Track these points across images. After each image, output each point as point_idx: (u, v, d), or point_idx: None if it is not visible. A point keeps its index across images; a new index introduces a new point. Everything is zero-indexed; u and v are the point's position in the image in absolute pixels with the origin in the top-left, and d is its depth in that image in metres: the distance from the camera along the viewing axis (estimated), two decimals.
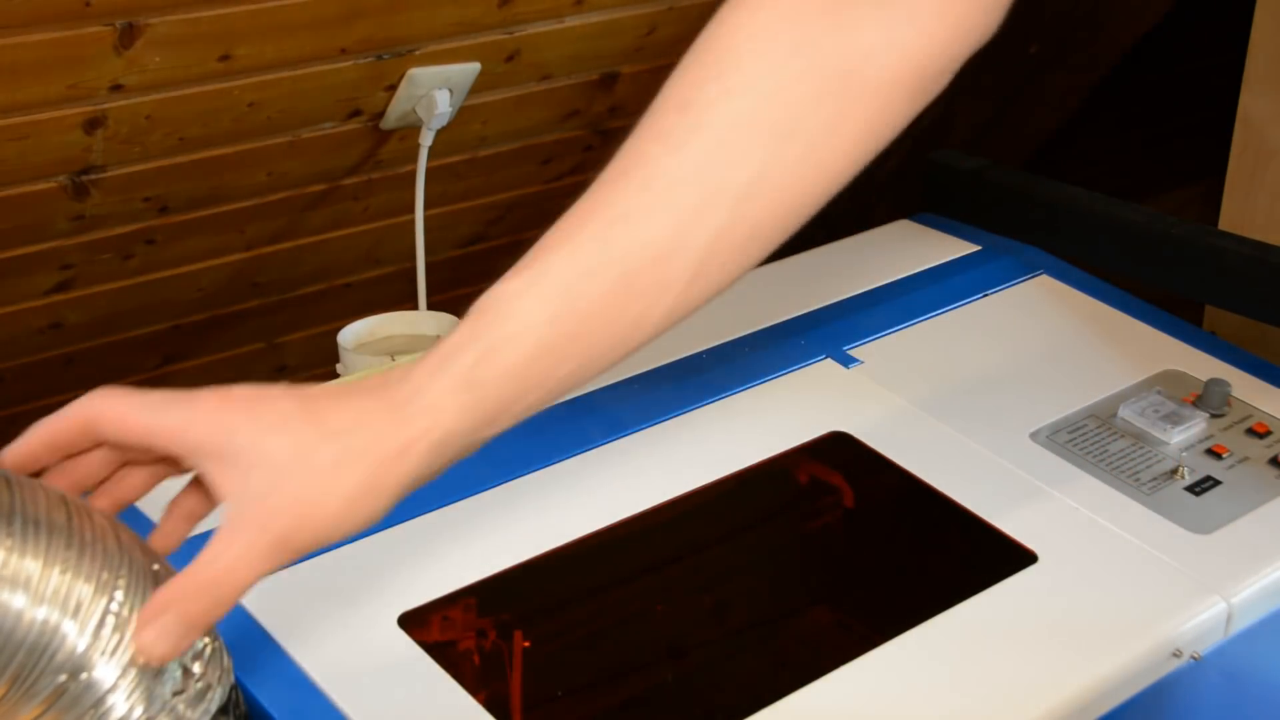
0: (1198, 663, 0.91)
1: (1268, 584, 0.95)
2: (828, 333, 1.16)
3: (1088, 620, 0.90)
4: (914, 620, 0.90)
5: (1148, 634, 0.90)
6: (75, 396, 0.62)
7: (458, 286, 1.66)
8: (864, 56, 0.66)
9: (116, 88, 1.16)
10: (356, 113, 1.33)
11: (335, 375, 1.18)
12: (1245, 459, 1.05)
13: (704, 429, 1.05)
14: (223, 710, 0.66)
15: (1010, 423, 1.07)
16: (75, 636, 0.60)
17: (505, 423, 0.67)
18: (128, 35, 1.14)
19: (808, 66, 0.66)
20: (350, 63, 1.29)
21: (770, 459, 1.03)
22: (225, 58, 1.21)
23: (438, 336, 1.21)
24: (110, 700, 0.61)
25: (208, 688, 0.65)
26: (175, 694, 0.63)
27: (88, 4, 1.10)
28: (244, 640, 0.84)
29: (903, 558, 1.07)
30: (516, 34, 1.34)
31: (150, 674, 0.61)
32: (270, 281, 1.51)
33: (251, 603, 0.86)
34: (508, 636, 0.92)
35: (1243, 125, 1.59)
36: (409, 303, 1.38)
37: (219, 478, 0.63)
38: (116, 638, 0.61)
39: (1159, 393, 1.11)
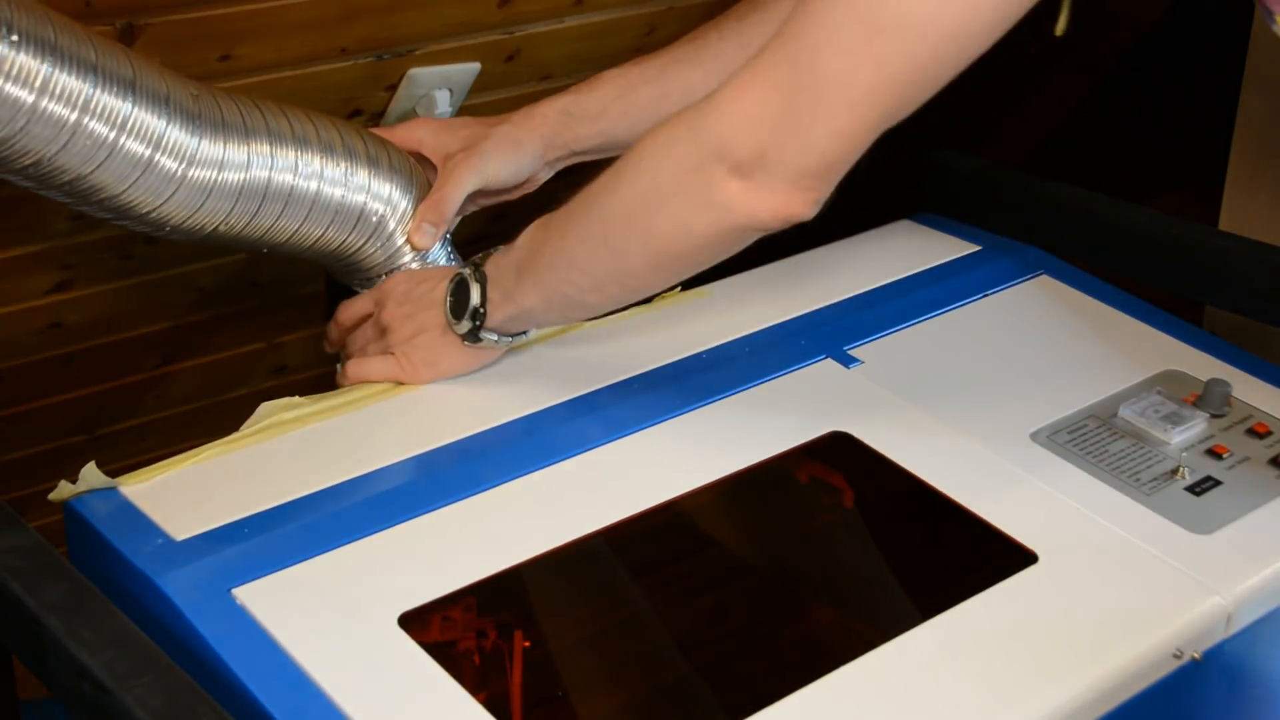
0: (1198, 663, 0.91)
1: (1268, 584, 0.95)
2: (828, 333, 1.16)
3: (1088, 620, 0.90)
4: (914, 620, 0.90)
5: (1148, 634, 0.90)
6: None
7: None
8: None
9: None
10: (356, 113, 1.33)
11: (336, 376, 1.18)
12: (1245, 459, 1.05)
13: (704, 429, 1.05)
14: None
15: (1010, 423, 1.07)
16: (394, 221, 1.10)
17: None
18: (128, 35, 1.14)
19: None
20: (350, 63, 1.29)
21: (770, 459, 1.03)
22: (225, 58, 1.21)
23: None
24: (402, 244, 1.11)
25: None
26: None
27: (88, 4, 1.10)
28: (245, 640, 0.84)
29: (903, 558, 1.07)
30: (516, 34, 1.34)
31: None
32: (270, 281, 1.51)
33: (252, 602, 0.86)
34: (508, 636, 0.92)
35: (1243, 125, 1.59)
36: None
37: (434, 158, 1.14)
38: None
39: (1159, 393, 1.11)
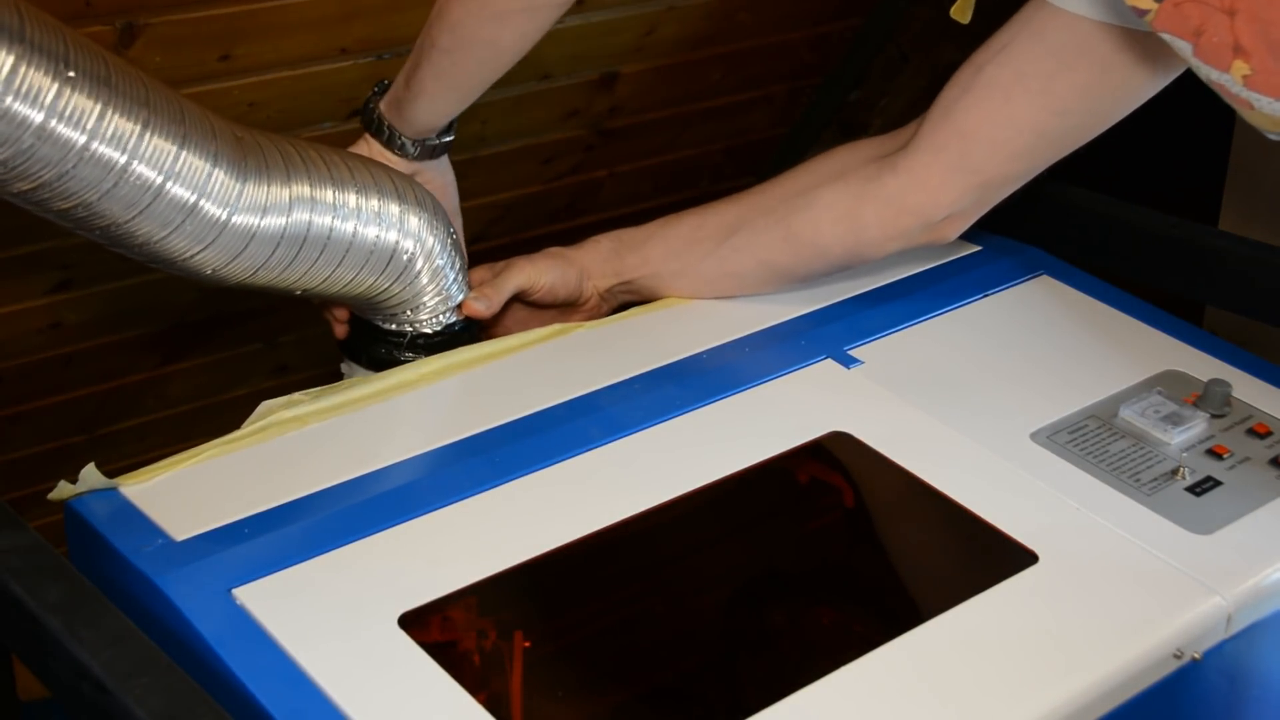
0: (1198, 663, 0.91)
1: (1268, 584, 0.95)
2: (828, 333, 1.17)
3: (1088, 620, 0.90)
4: (914, 620, 0.90)
5: (1148, 634, 0.90)
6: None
7: None
8: None
9: None
10: (357, 113, 1.34)
11: (339, 375, 1.18)
12: (1246, 459, 1.05)
13: (704, 429, 1.05)
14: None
15: (1010, 423, 1.07)
16: (422, 260, 1.11)
17: None
18: (128, 35, 1.14)
19: None
20: (350, 63, 1.29)
21: (770, 459, 1.03)
22: (225, 58, 1.22)
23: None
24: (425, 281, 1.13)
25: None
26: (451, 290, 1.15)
27: (88, 3, 1.10)
28: (245, 640, 0.84)
29: (903, 558, 1.07)
30: None
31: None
32: None
33: (252, 602, 0.86)
34: (508, 636, 0.92)
35: (1243, 125, 1.59)
36: None
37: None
38: (444, 261, 1.13)
39: (1159, 393, 1.11)
